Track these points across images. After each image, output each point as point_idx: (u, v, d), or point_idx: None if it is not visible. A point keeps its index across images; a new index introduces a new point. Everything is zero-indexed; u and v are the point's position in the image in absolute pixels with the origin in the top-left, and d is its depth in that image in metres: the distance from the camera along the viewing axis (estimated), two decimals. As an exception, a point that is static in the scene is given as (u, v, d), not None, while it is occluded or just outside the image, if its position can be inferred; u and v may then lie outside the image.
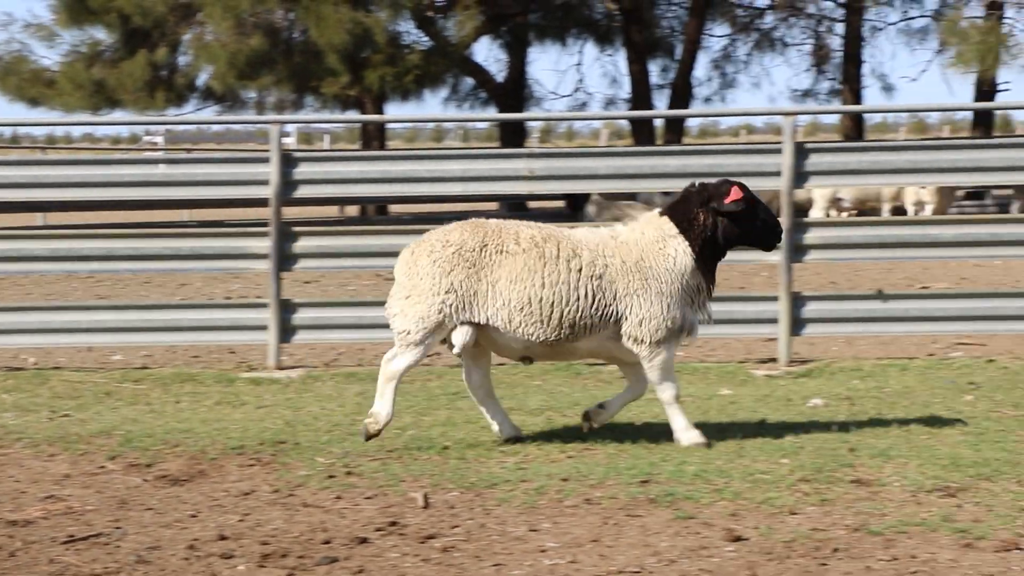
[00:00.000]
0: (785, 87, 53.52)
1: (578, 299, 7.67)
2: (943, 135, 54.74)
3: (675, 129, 33.35)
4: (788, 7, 34.97)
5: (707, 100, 37.17)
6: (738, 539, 6.02)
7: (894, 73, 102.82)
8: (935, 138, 45.54)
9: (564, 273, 7.69)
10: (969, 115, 39.31)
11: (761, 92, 55.10)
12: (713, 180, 8.12)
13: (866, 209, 25.76)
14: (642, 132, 32.27)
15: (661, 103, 34.55)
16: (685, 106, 32.66)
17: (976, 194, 28.74)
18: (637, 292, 7.74)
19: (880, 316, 11.21)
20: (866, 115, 37.41)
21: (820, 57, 36.75)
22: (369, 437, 7.80)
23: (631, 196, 24.71)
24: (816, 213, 24.60)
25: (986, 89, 31.55)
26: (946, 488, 6.75)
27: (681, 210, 7.94)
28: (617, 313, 7.73)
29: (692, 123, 67.64)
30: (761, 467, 7.23)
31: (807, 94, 37.02)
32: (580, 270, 7.71)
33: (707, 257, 7.90)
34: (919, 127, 69.99)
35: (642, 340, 7.76)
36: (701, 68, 36.47)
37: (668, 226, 7.88)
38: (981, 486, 6.78)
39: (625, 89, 35.53)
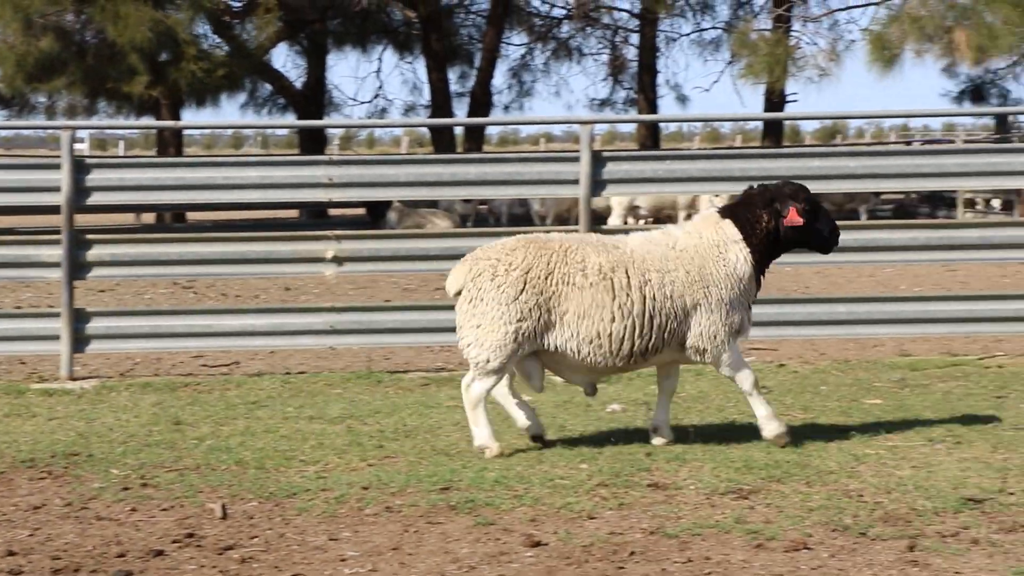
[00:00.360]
0: (583, 96, 54.21)
1: (651, 328, 7.68)
2: (735, 144, 56.06)
3: (475, 137, 33.55)
4: (584, 17, 35.41)
5: (506, 108, 37.51)
6: (538, 544, 6.06)
7: (688, 83, 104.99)
8: (727, 147, 46.64)
9: (638, 304, 7.65)
10: (760, 125, 40.31)
11: (559, 101, 55.87)
12: (775, 182, 8.24)
13: (662, 217, 26.19)
14: (442, 140, 32.38)
15: (461, 111, 34.73)
16: (484, 114, 32.83)
17: (767, 202, 29.42)
18: (700, 304, 7.77)
19: (675, 322, 11.38)
20: (662, 124, 38.10)
21: (616, 67, 37.32)
22: (491, 456, 7.71)
23: (432, 203, 24.77)
24: (614, 221, 24.93)
25: (775, 100, 32.37)
26: (739, 490, 6.90)
27: (744, 213, 7.98)
28: (684, 329, 7.76)
29: (492, 131, 68.18)
30: (561, 473, 7.30)
31: (604, 103, 37.59)
32: (654, 297, 7.68)
33: (764, 261, 7.99)
34: (713, 136, 71.51)
35: (705, 350, 7.83)
36: (500, 76, 36.71)
37: (731, 231, 7.91)
38: (772, 488, 6.95)
39: (425, 96, 35.68)
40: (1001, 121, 43.67)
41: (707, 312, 7.76)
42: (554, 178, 11.37)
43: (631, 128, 55.59)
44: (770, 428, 7.89)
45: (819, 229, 8.13)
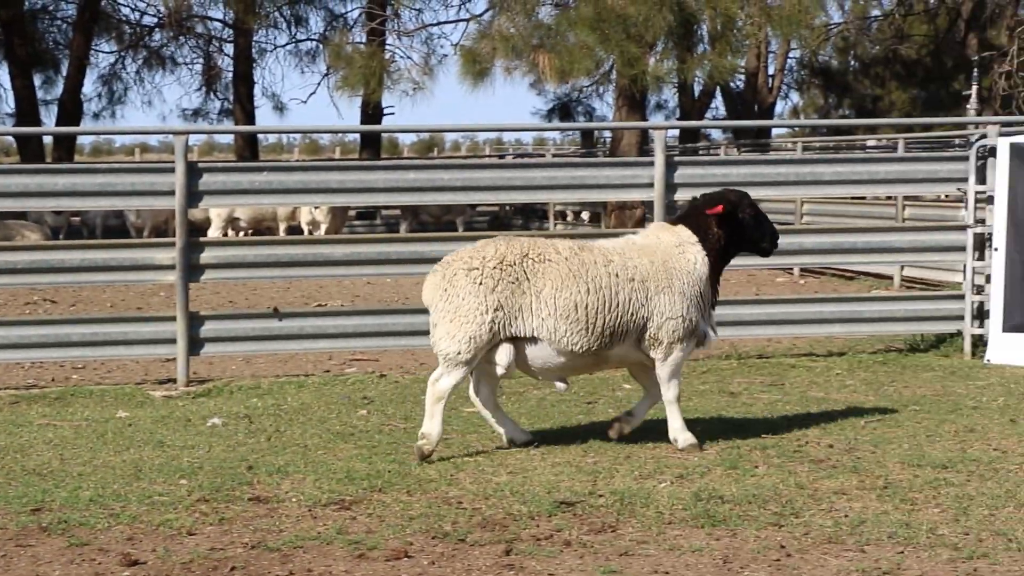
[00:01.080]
0: (176, 106, 53.25)
1: (618, 304, 7.86)
2: (334, 156, 56.29)
3: (65, 146, 32.44)
4: (177, 26, 34.82)
5: (96, 117, 36.49)
6: (135, 563, 5.91)
7: (286, 94, 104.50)
8: (327, 159, 46.76)
9: (604, 278, 7.85)
10: (359, 137, 40.63)
11: (153, 110, 54.70)
12: (715, 190, 8.56)
13: (263, 228, 26.07)
14: (29, 149, 31.16)
15: (49, 119, 33.55)
16: (74, 123, 31.82)
17: (368, 214, 29.75)
18: (664, 291, 7.98)
19: (278, 334, 11.35)
20: (260, 135, 37.86)
21: (211, 77, 36.88)
22: (423, 457, 7.77)
23: (21, 215, 23.87)
24: (213, 232, 24.64)
25: (372, 112, 32.68)
26: (341, 501, 6.92)
27: (696, 220, 8.22)
28: (647, 314, 7.93)
29: (85, 140, 66.12)
30: (159, 489, 7.14)
31: (198, 114, 37.09)
32: (617, 274, 7.88)
33: (717, 267, 8.24)
34: (312, 148, 71.65)
35: (661, 340, 7.97)
36: (90, 84, 35.65)
37: (686, 233, 8.17)
38: (374, 498, 7.00)
39: (9, 104, 34.27)
40: (586, 136, 45.48)
41: (669, 302, 7.99)
42: (149, 189, 11.13)
43: (230, 139, 55.04)
44: (684, 439, 8.09)
45: (763, 234, 8.44)
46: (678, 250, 8.12)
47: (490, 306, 7.72)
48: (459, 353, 7.76)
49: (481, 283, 7.75)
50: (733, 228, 8.27)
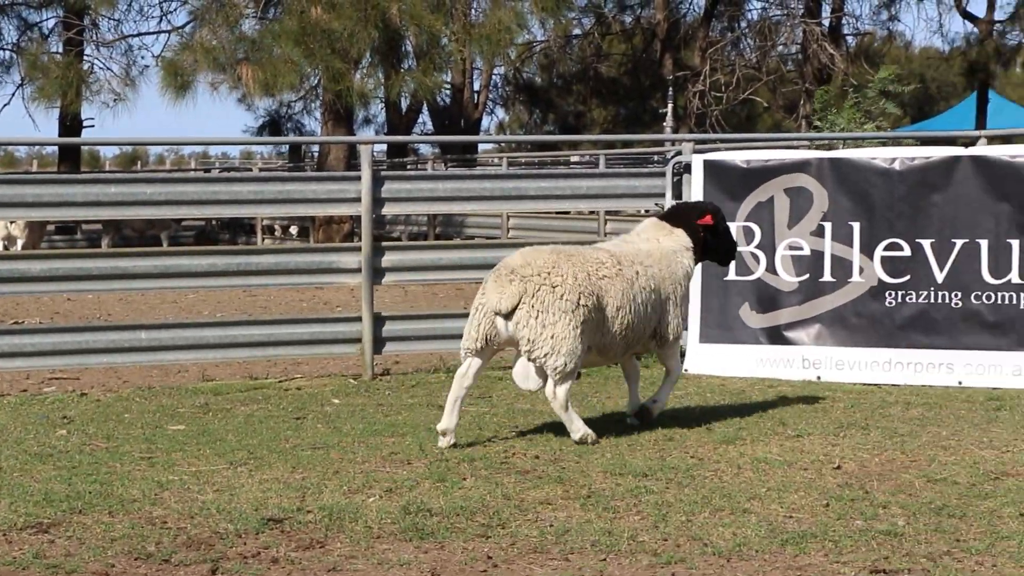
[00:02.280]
0: None
1: (646, 314, 8.73)
2: (32, 169, 54.55)
3: None
4: None
5: None
6: None
7: None
8: (23, 172, 45.27)
9: (642, 293, 8.65)
10: (57, 150, 39.48)
11: None
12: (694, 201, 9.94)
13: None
14: None
15: None
16: None
17: (67, 229, 28.94)
18: (670, 296, 8.89)
19: (-31, 354, 10.94)
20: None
21: None
22: (593, 442, 8.48)
23: None
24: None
25: (70, 124, 31.82)
26: (38, 524, 6.70)
27: (689, 226, 9.09)
28: (659, 317, 8.85)
29: None
30: None
31: None
32: (644, 287, 8.67)
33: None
34: (8, 161, 69.30)
35: (667, 337, 8.96)
36: None
37: (685, 239, 9.06)
38: (74, 520, 6.80)
39: None
40: (295, 151, 45.26)
41: (674, 305, 8.94)
42: None
43: (-83, 150, 52.75)
44: (657, 408, 9.20)
45: (728, 245, 9.39)
46: (677, 256, 9.03)
47: (578, 321, 8.33)
48: (567, 365, 8.34)
49: (567, 299, 8.32)
50: (711, 238, 9.23)
